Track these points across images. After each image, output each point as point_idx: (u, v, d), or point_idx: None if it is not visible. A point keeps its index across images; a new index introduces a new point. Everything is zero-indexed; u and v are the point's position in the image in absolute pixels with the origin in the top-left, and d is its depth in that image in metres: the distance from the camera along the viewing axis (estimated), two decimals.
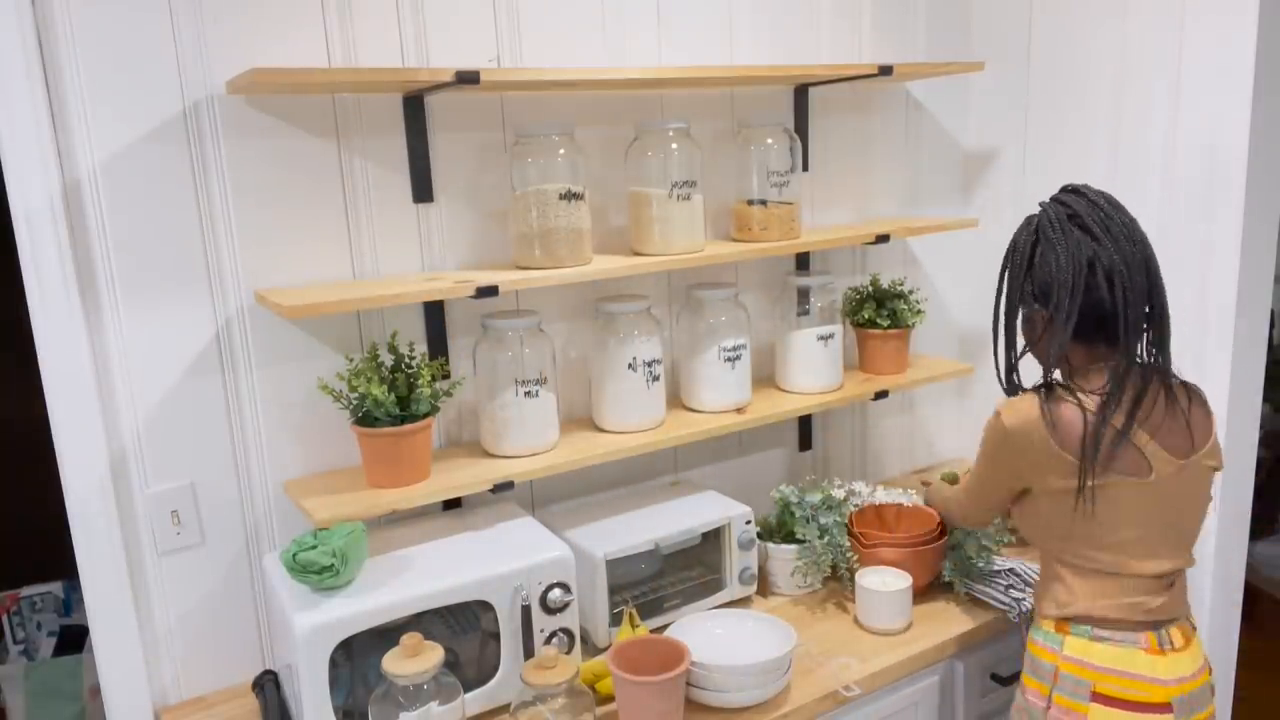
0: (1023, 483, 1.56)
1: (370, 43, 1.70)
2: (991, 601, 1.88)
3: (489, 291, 1.62)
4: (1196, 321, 2.06)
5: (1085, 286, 1.45)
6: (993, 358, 1.63)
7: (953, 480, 2.11)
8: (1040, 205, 1.54)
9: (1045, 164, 2.34)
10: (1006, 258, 1.58)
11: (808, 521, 1.96)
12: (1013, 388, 1.60)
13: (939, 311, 2.56)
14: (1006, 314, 1.60)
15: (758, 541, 1.94)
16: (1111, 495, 1.46)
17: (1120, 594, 1.48)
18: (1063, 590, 1.53)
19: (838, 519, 1.97)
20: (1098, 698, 1.45)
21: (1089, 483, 1.45)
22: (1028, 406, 1.51)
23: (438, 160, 1.80)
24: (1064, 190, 1.54)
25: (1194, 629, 1.54)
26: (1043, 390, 1.52)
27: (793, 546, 1.96)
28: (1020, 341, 1.60)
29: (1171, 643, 1.48)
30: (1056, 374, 1.55)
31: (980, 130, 2.49)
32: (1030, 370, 1.58)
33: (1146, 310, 1.48)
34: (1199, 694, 1.48)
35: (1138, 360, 1.49)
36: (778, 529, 2.03)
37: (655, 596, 1.86)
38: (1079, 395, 1.48)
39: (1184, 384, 1.54)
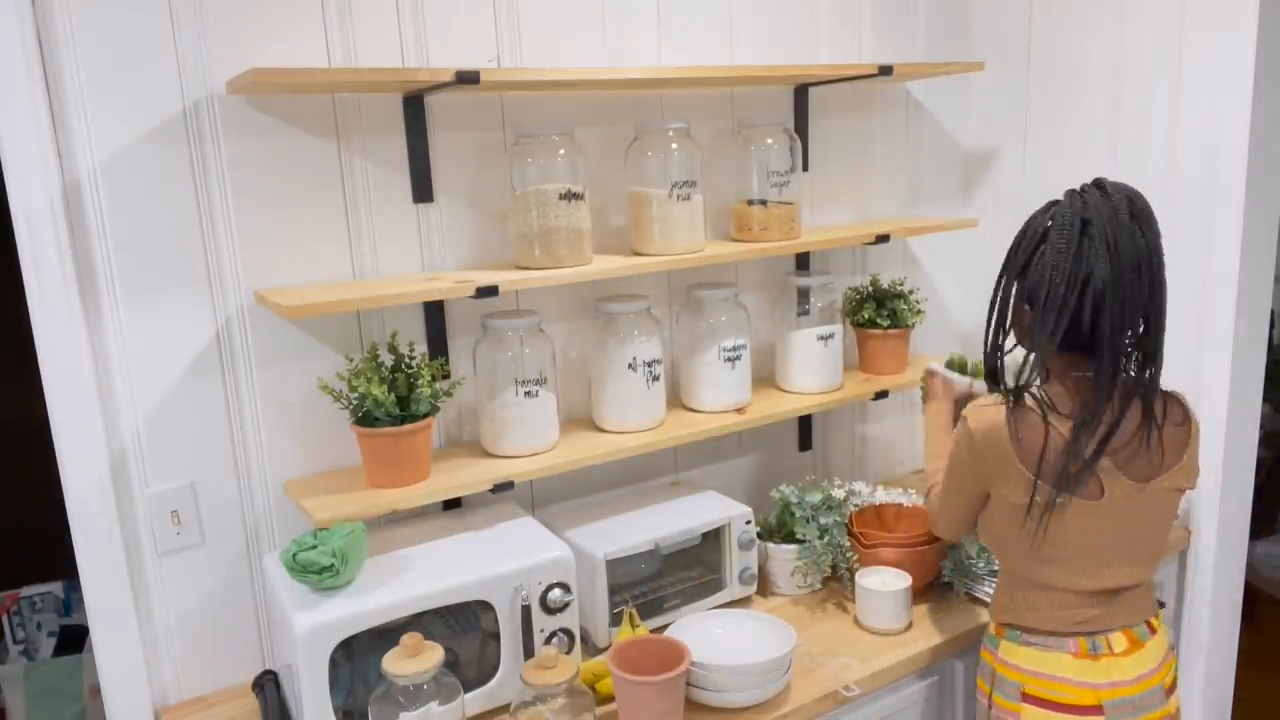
0: (985, 489, 1.53)
1: (370, 43, 1.70)
2: (990, 599, 1.88)
3: (489, 291, 1.62)
4: (1196, 321, 2.06)
5: (1075, 304, 1.39)
6: (982, 344, 1.56)
7: (961, 365, 1.96)
8: (1066, 194, 1.47)
9: (1045, 164, 2.34)
10: (1016, 240, 1.51)
11: (808, 521, 1.96)
12: (993, 377, 1.54)
13: (939, 311, 2.56)
14: (1000, 301, 1.53)
15: (758, 541, 1.94)
16: (1059, 515, 1.45)
17: (1051, 607, 1.51)
18: (1004, 596, 1.58)
19: (838, 519, 1.97)
20: (1028, 698, 1.50)
21: (1037, 499, 1.44)
22: (993, 413, 1.48)
23: (438, 160, 1.80)
24: (1093, 184, 1.45)
25: (1152, 632, 1.53)
26: (1010, 398, 1.47)
27: (793, 546, 1.96)
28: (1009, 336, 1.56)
29: (1110, 648, 1.49)
30: (1036, 380, 1.50)
31: (980, 130, 2.49)
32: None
33: (1142, 325, 1.43)
34: (1144, 697, 1.48)
35: (1122, 375, 1.44)
36: (778, 529, 2.03)
37: (655, 596, 1.86)
38: (1047, 411, 1.44)
39: (1165, 397, 1.51)
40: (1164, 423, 1.48)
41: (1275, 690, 3.10)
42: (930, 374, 1.92)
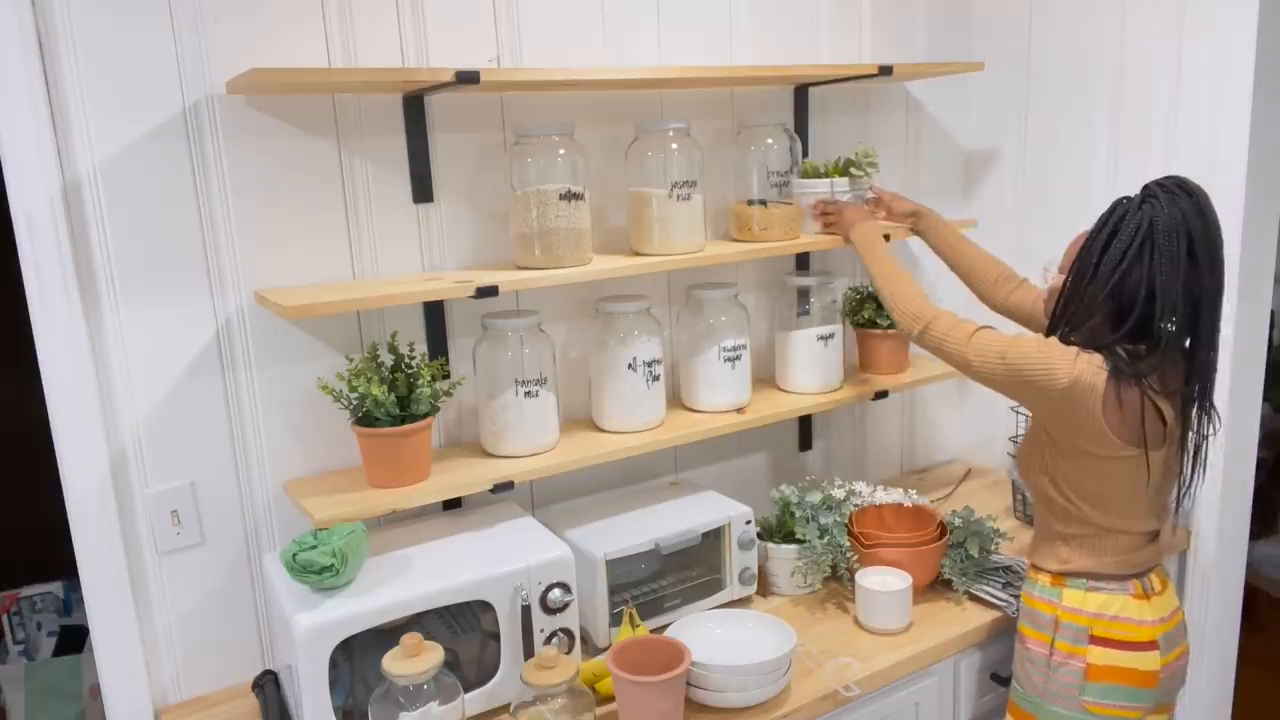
0: (1055, 400, 1.52)
1: (370, 43, 1.70)
2: (990, 598, 1.88)
3: (489, 291, 1.62)
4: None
5: (1182, 318, 1.47)
6: (1065, 288, 1.56)
7: (814, 170, 2.02)
8: (1159, 194, 1.47)
9: (1045, 164, 2.34)
10: (1125, 236, 1.48)
11: (808, 521, 1.96)
12: (1055, 324, 1.58)
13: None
14: (1114, 282, 1.49)
15: (758, 541, 1.94)
16: (1136, 465, 1.53)
17: (1116, 551, 1.60)
18: (1064, 549, 1.63)
19: (838, 519, 1.97)
20: (1095, 640, 1.58)
21: (1142, 455, 1.52)
22: (1096, 371, 1.48)
23: (438, 160, 1.80)
24: (1178, 187, 1.48)
25: (1168, 575, 1.68)
26: (1108, 364, 1.49)
27: (793, 546, 1.96)
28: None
29: (1153, 588, 1.62)
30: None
31: (980, 130, 2.49)
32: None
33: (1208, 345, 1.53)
34: (1176, 631, 1.64)
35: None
36: (778, 529, 2.03)
37: (655, 596, 1.85)
38: (1144, 380, 1.49)
39: None
40: None
41: (1275, 690, 3.10)
42: (823, 207, 2.01)
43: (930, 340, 1.68)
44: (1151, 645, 1.58)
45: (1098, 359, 1.50)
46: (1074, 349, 1.51)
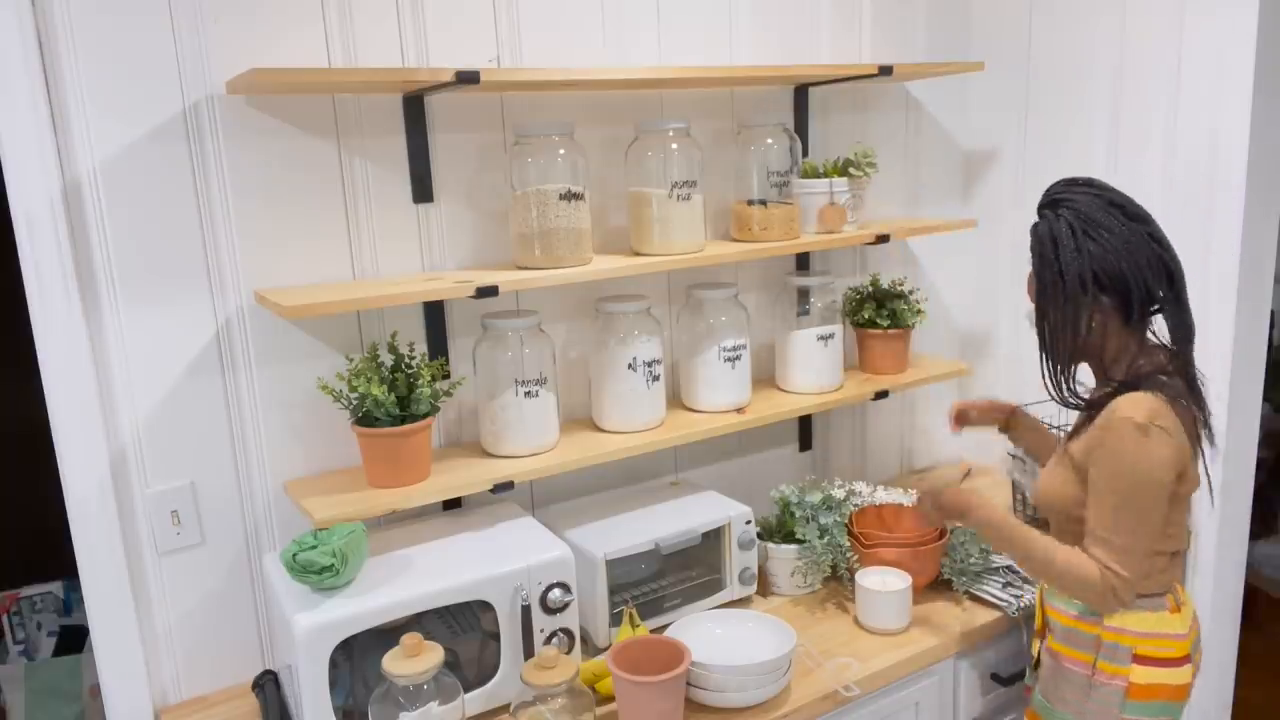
0: (1174, 480, 1.49)
1: (370, 43, 1.70)
2: (990, 598, 1.88)
3: (489, 291, 1.62)
4: (1197, 321, 2.05)
5: (1158, 261, 1.48)
6: (1040, 365, 1.57)
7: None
8: (1059, 202, 1.51)
9: (1045, 164, 2.34)
10: (1048, 252, 1.51)
11: (808, 521, 1.96)
12: (1067, 397, 1.57)
13: (939, 311, 2.56)
14: (1066, 313, 1.51)
15: (758, 541, 1.94)
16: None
17: (1156, 571, 1.55)
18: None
19: (838, 519, 1.97)
20: (1138, 659, 1.53)
21: (1204, 470, 1.55)
22: (1152, 402, 1.47)
23: (438, 160, 1.80)
24: (1072, 183, 1.53)
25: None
26: (1153, 388, 1.49)
27: (793, 546, 1.96)
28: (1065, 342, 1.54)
29: (1180, 599, 1.57)
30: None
31: (980, 130, 2.49)
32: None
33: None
34: (1199, 640, 1.62)
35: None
36: (778, 529, 2.03)
37: (655, 596, 1.85)
38: (1173, 390, 1.49)
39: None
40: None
41: (1275, 690, 3.10)
42: (929, 499, 1.74)
43: (1117, 585, 1.50)
44: (1186, 659, 1.54)
45: (1146, 401, 1.46)
46: (1133, 410, 1.45)
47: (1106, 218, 1.47)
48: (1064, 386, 1.57)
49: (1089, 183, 1.52)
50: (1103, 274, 1.48)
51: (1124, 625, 1.53)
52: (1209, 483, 1.59)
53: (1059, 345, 1.54)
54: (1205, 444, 1.56)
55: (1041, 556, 1.54)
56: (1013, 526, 1.60)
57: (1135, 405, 1.46)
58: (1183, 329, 1.53)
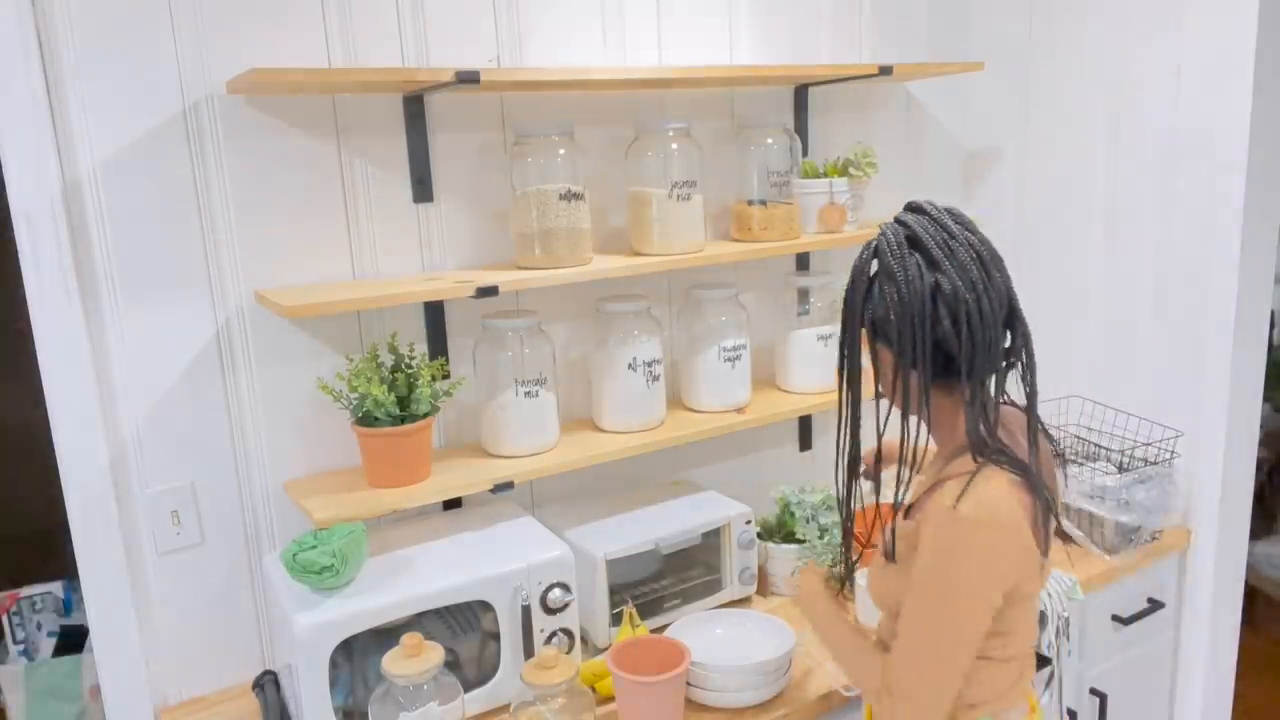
0: (1003, 594, 1.24)
1: (370, 42, 1.70)
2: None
3: (489, 291, 1.62)
4: (1197, 321, 2.06)
5: (931, 318, 1.23)
6: (840, 413, 1.37)
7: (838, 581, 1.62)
8: (880, 227, 1.31)
9: (1045, 164, 2.34)
10: (846, 293, 1.34)
11: (808, 521, 1.96)
12: (855, 456, 1.38)
13: None
14: (849, 358, 1.35)
15: (758, 541, 1.94)
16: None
17: (1021, 678, 1.36)
18: (963, 685, 1.29)
19: (838, 519, 1.96)
20: None
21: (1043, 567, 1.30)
22: (995, 488, 1.22)
23: (438, 160, 1.80)
24: (905, 208, 1.32)
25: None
26: (1000, 464, 1.24)
27: (793, 546, 1.96)
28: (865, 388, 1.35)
29: (1031, 700, 1.41)
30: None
31: (980, 130, 2.49)
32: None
33: (1008, 342, 1.28)
34: None
35: (1004, 400, 1.31)
36: (778, 529, 2.03)
37: (655, 596, 1.85)
38: (1022, 471, 1.25)
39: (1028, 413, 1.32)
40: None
41: (1275, 690, 3.10)
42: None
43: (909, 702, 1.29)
44: None
45: (980, 486, 1.21)
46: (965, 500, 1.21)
47: (898, 260, 1.26)
48: (851, 432, 1.38)
49: (919, 209, 1.31)
50: (879, 323, 1.29)
51: None
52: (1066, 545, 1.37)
53: (842, 385, 1.36)
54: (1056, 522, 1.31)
55: (835, 656, 1.42)
56: (826, 627, 1.44)
57: (957, 492, 1.22)
58: (976, 400, 1.25)
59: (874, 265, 1.30)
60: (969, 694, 1.31)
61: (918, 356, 1.25)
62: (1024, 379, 1.29)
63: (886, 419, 1.35)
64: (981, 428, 1.25)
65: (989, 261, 1.25)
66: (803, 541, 1.96)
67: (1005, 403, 1.34)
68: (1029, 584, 1.27)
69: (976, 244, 1.26)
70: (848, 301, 1.34)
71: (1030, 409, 1.30)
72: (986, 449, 1.25)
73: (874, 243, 1.31)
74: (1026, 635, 1.35)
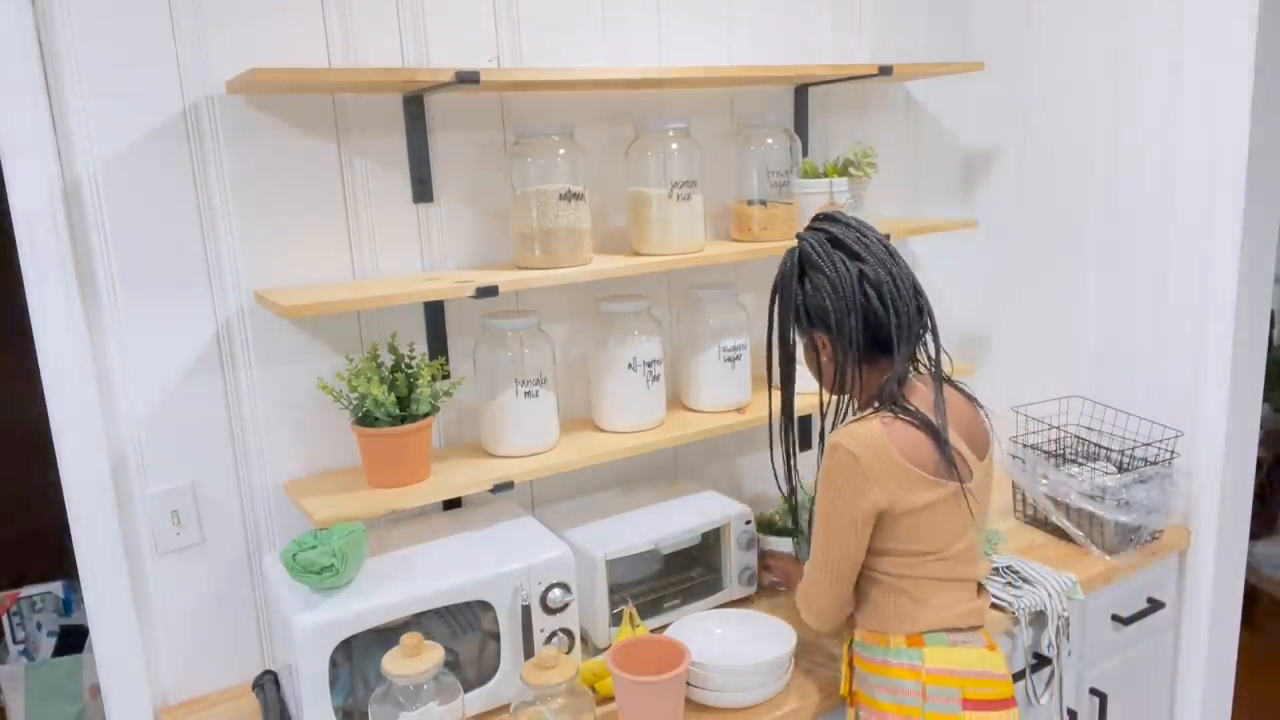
0: (879, 508, 1.42)
1: (370, 42, 1.70)
2: (991, 598, 1.88)
3: (489, 291, 1.62)
4: (1197, 322, 2.06)
5: (862, 300, 1.47)
6: (781, 396, 1.67)
7: (769, 523, 2.00)
8: (797, 237, 1.55)
9: (1045, 164, 2.34)
10: (775, 289, 1.58)
11: (807, 512, 1.93)
12: (790, 420, 1.65)
13: (939, 311, 2.53)
14: (782, 346, 1.60)
15: (757, 535, 1.93)
16: (952, 504, 1.45)
17: (966, 600, 1.48)
18: (911, 605, 1.46)
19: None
20: (969, 704, 1.42)
21: (944, 491, 1.44)
22: (863, 428, 1.44)
23: (438, 160, 1.80)
24: (817, 219, 1.56)
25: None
26: (877, 411, 1.47)
27: (787, 540, 1.94)
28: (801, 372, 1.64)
29: (991, 640, 1.50)
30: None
31: (980, 130, 2.49)
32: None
33: (923, 319, 1.52)
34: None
35: (924, 367, 1.54)
36: (777, 524, 2.01)
37: (655, 596, 1.86)
38: (908, 412, 1.45)
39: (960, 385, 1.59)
40: (972, 404, 1.58)
41: (1275, 690, 3.10)
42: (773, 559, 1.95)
43: (814, 613, 1.55)
44: (1012, 702, 1.45)
45: (857, 427, 1.45)
46: (846, 433, 1.45)
47: (824, 256, 1.49)
48: (785, 409, 1.66)
49: (831, 218, 1.55)
50: (814, 313, 1.51)
51: (948, 665, 1.43)
52: (970, 510, 1.47)
53: (775, 371, 1.65)
54: (963, 469, 1.46)
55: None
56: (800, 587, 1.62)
57: (837, 431, 1.48)
58: (901, 357, 1.49)
59: (801, 265, 1.52)
60: (916, 611, 1.46)
61: (853, 333, 1.47)
62: (934, 338, 1.54)
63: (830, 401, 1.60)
64: (892, 386, 1.48)
65: (894, 252, 1.51)
66: (797, 530, 1.93)
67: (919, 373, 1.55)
68: (910, 497, 1.42)
69: (882, 239, 1.52)
70: (781, 298, 1.57)
71: (937, 363, 1.53)
72: (892, 402, 1.47)
73: (796, 249, 1.54)
74: (965, 562, 1.48)
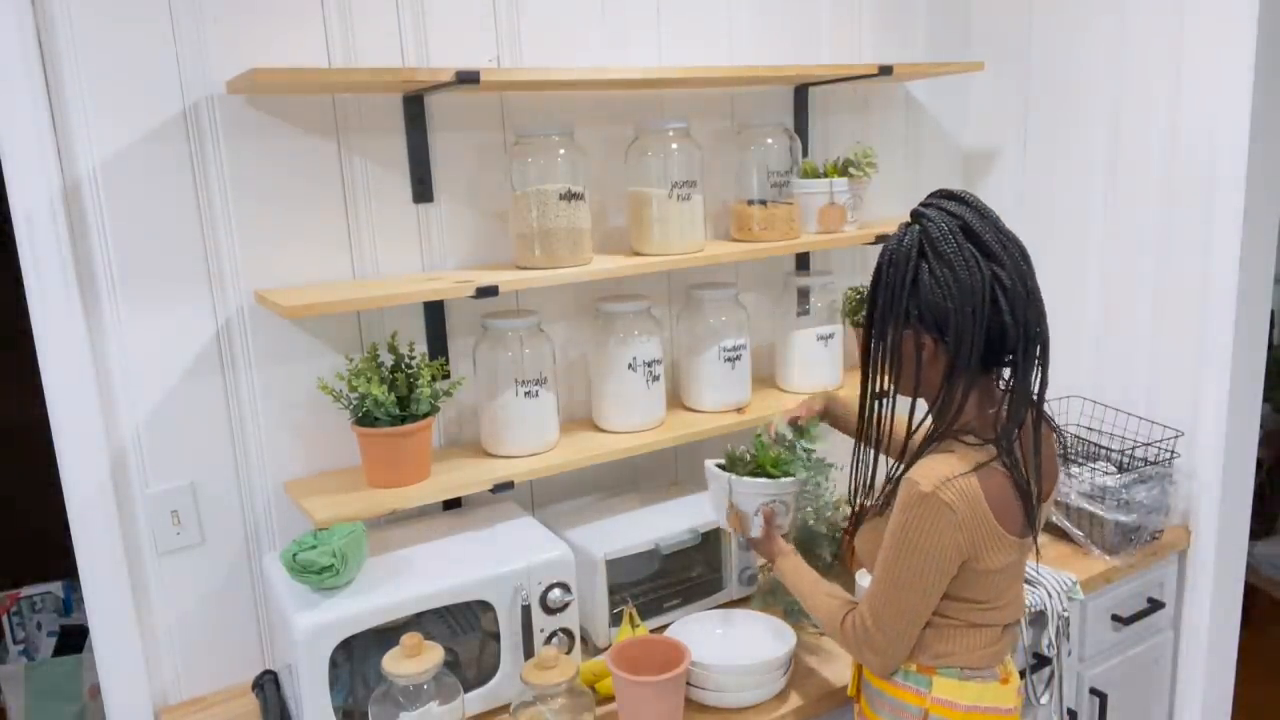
0: (963, 559, 1.31)
1: (370, 43, 1.70)
2: (1018, 634, 1.87)
3: (489, 291, 1.62)
4: (1197, 321, 2.06)
5: (990, 311, 1.26)
6: (861, 398, 1.44)
7: (734, 461, 1.63)
8: (919, 214, 1.32)
9: (1045, 164, 2.34)
10: (878, 279, 1.35)
11: (793, 455, 1.70)
12: (875, 433, 1.43)
13: None
14: (885, 342, 1.36)
15: (728, 480, 1.62)
16: (1021, 560, 1.38)
17: (990, 643, 1.40)
18: (934, 638, 1.38)
19: (836, 517, 1.94)
20: None
21: (1016, 556, 1.34)
22: (970, 483, 1.27)
23: (438, 160, 1.80)
24: (945, 197, 1.33)
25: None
26: (976, 445, 1.30)
27: (761, 480, 1.60)
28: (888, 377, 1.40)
29: (1009, 669, 1.44)
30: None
31: (980, 130, 2.49)
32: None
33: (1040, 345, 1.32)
34: (1022, 710, 1.47)
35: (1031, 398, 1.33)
36: (751, 464, 1.69)
37: (655, 596, 1.85)
38: (1014, 463, 1.30)
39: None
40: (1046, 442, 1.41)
41: (1275, 690, 3.10)
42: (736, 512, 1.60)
43: (873, 645, 1.38)
44: None
45: (942, 465, 1.27)
46: (934, 481, 1.26)
47: (954, 248, 1.27)
48: (872, 419, 1.43)
49: (961, 199, 1.33)
50: (927, 310, 1.30)
51: (953, 698, 1.37)
52: (1037, 551, 1.40)
53: (873, 375, 1.40)
54: (1039, 514, 1.36)
55: (810, 605, 1.47)
56: (799, 578, 1.52)
57: (927, 469, 1.28)
58: (1020, 393, 1.30)
59: (922, 251, 1.30)
60: (938, 647, 1.38)
61: (973, 346, 1.26)
62: (1043, 370, 1.32)
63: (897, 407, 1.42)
64: (1013, 429, 1.29)
65: (1029, 259, 1.30)
66: (779, 474, 1.64)
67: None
68: (989, 559, 1.31)
69: (1019, 241, 1.30)
70: (886, 285, 1.33)
71: (1041, 398, 1.33)
72: (1008, 447, 1.29)
73: (915, 229, 1.31)
74: (1006, 609, 1.39)
